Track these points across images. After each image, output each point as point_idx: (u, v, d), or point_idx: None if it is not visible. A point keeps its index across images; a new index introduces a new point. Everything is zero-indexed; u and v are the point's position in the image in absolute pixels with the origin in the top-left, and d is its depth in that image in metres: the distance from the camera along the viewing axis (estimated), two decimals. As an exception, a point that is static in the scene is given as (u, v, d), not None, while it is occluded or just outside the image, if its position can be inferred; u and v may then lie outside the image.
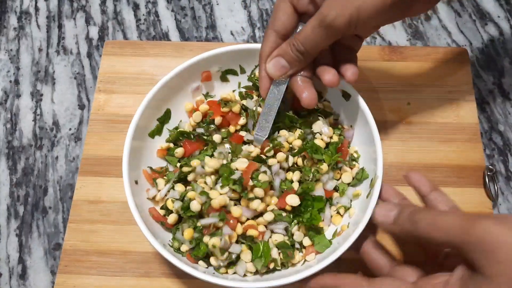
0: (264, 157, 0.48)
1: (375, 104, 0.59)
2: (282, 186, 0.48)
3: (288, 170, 0.50)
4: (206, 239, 0.46)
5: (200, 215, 0.48)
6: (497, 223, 0.30)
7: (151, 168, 0.52)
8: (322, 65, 0.45)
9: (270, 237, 0.48)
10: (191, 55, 0.54)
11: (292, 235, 0.49)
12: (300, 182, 0.49)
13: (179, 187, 0.49)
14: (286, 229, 0.48)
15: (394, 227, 0.39)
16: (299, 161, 0.50)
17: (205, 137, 0.53)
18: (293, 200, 0.46)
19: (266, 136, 0.49)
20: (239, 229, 0.46)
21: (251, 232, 0.46)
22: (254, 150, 0.49)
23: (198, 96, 0.56)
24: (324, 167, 0.49)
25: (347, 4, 0.38)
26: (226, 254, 0.46)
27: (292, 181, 0.48)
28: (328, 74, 0.44)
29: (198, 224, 0.47)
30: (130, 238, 0.53)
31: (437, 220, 0.34)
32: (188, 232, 0.47)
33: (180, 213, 0.48)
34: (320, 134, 0.51)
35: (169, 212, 0.49)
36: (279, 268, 0.47)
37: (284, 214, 0.48)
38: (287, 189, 0.47)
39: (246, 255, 0.46)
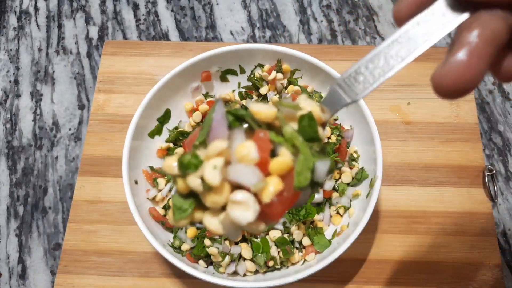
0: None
1: (375, 104, 0.59)
2: None
3: None
4: (207, 242, 0.46)
5: None
6: None
7: (151, 167, 0.52)
8: None
9: (267, 234, 0.48)
10: (190, 55, 0.54)
11: (292, 234, 0.49)
12: None
13: None
14: (284, 225, 0.48)
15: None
16: None
17: (204, 137, 0.53)
18: None
19: (359, 98, 0.24)
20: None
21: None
22: (313, 107, 0.25)
23: (198, 96, 0.56)
24: None
25: None
26: (227, 257, 0.46)
27: None
28: None
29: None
30: (129, 238, 0.53)
31: None
32: (191, 231, 0.47)
33: None
34: None
35: None
36: (279, 267, 0.47)
37: None
38: None
39: (247, 252, 0.46)
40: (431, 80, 0.21)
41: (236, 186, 0.23)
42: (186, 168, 0.23)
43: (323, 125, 0.25)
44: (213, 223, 0.24)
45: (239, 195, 0.23)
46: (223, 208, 0.23)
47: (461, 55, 0.20)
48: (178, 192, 0.25)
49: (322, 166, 0.24)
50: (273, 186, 0.23)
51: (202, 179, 0.23)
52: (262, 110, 0.24)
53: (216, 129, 0.24)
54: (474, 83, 0.20)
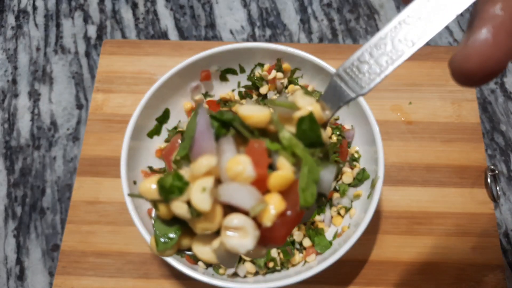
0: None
1: (376, 104, 0.59)
2: None
3: None
4: None
5: None
6: None
7: (150, 168, 0.51)
8: None
9: None
10: (190, 54, 0.53)
11: (292, 235, 0.48)
12: None
13: None
14: None
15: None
16: None
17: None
18: None
19: (365, 92, 0.22)
20: None
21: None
22: (314, 107, 0.21)
23: (197, 96, 0.55)
24: None
25: None
26: None
27: None
28: None
29: None
30: (128, 239, 0.53)
31: None
32: None
33: None
34: None
35: None
36: (279, 268, 0.47)
37: None
38: None
39: None
40: (449, 66, 0.17)
41: (229, 206, 0.20)
42: (168, 192, 0.19)
43: (324, 126, 0.22)
44: (204, 252, 0.20)
45: (235, 220, 0.19)
46: (216, 232, 0.20)
47: (485, 32, 0.16)
48: (160, 218, 0.21)
49: (328, 174, 0.20)
50: (275, 206, 0.19)
51: (189, 203, 0.19)
52: (253, 114, 0.20)
53: (200, 142, 0.20)
54: (503, 65, 0.17)
